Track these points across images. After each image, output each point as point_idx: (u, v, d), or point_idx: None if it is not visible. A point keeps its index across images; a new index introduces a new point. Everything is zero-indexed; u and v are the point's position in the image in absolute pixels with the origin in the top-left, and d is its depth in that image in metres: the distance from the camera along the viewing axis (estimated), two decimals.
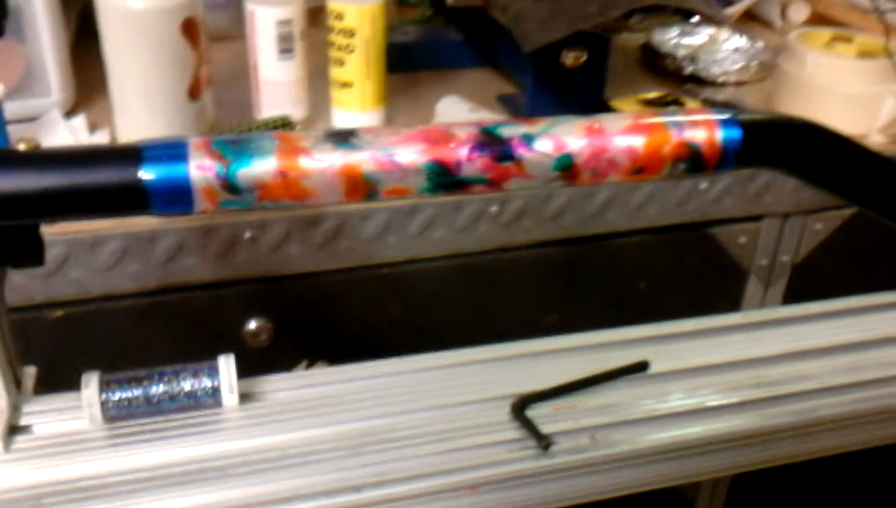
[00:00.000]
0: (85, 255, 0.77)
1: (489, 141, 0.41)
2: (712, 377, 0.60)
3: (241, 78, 0.98)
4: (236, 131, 0.87)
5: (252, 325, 0.86)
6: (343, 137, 0.41)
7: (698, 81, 1.12)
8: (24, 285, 0.77)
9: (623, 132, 0.44)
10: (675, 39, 1.15)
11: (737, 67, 1.12)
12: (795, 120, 0.51)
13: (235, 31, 1.08)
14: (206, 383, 0.53)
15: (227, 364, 0.53)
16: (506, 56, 1.08)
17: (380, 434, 0.53)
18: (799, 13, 1.31)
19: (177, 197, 0.42)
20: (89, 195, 0.42)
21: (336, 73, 0.93)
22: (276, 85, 0.92)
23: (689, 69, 1.12)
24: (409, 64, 1.08)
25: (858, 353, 0.63)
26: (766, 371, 0.60)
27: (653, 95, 1.03)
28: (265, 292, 0.86)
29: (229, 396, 0.53)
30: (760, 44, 1.16)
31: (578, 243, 0.94)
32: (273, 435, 0.52)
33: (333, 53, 0.92)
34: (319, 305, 0.89)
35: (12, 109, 0.86)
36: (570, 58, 0.95)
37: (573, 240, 0.93)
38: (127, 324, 0.83)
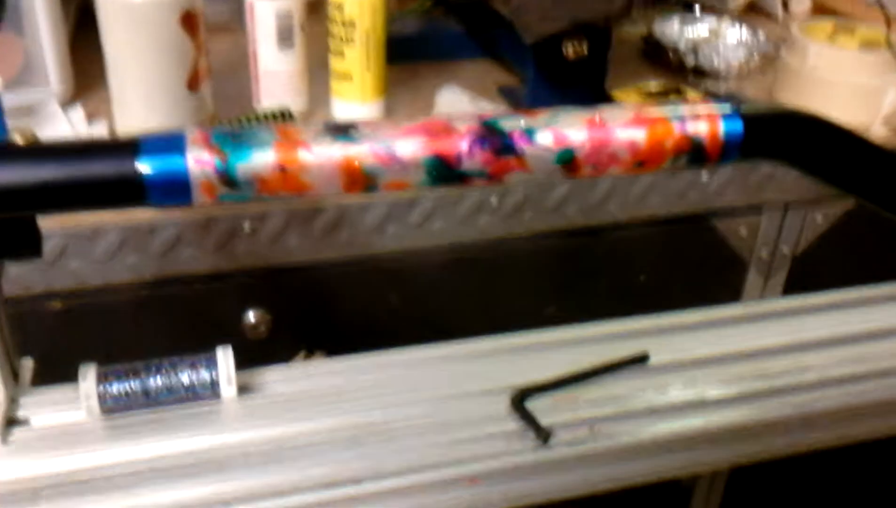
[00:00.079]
0: (83, 246, 0.77)
1: (490, 134, 0.41)
2: (712, 370, 0.59)
3: (240, 69, 0.98)
4: (236, 123, 0.87)
5: (251, 316, 0.86)
6: (342, 131, 0.41)
7: (700, 72, 1.12)
8: (22, 276, 0.77)
9: (625, 126, 0.44)
10: (677, 31, 1.15)
11: (739, 58, 1.12)
12: (798, 112, 0.51)
13: (235, 22, 1.07)
14: (204, 375, 0.53)
15: (225, 356, 0.53)
16: (506, 47, 1.07)
17: (378, 426, 0.53)
18: (801, 4, 1.31)
19: (174, 190, 0.42)
20: (86, 188, 0.42)
21: (336, 64, 0.92)
22: (276, 76, 0.92)
23: (690, 61, 1.11)
24: (409, 55, 1.07)
25: (859, 345, 0.62)
26: (767, 363, 0.60)
27: (654, 86, 1.02)
28: (264, 284, 0.85)
29: (227, 388, 0.53)
30: (762, 36, 1.15)
31: (579, 234, 0.94)
32: (271, 427, 0.52)
33: (333, 45, 0.92)
34: (318, 296, 0.88)
35: (10, 100, 0.85)
36: (571, 49, 0.94)
37: (573, 231, 0.93)
38: (125, 315, 0.82)
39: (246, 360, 0.55)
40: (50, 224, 0.74)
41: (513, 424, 0.54)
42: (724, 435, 0.56)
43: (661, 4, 1.21)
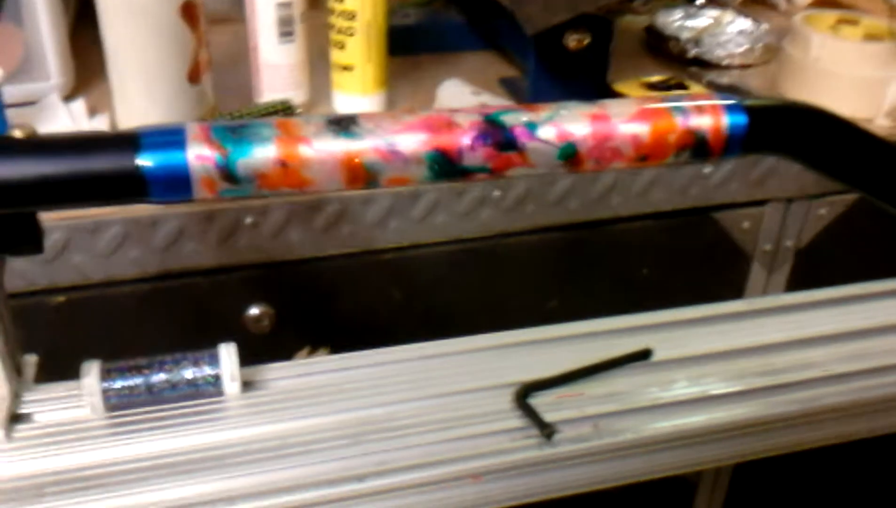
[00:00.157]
0: (86, 240, 0.77)
1: (492, 129, 0.41)
2: (716, 365, 0.59)
3: (241, 61, 0.97)
4: (237, 116, 0.86)
5: (254, 311, 0.86)
6: (343, 126, 0.40)
7: (702, 63, 1.11)
8: (25, 270, 0.76)
9: (628, 120, 0.43)
10: (679, 22, 1.14)
11: (741, 49, 1.11)
12: (802, 106, 0.51)
13: (235, 13, 1.07)
14: (208, 371, 0.53)
15: (228, 353, 0.53)
16: (508, 39, 1.07)
17: (381, 423, 0.53)
18: None
19: (175, 185, 0.42)
20: (86, 183, 0.42)
21: (337, 56, 0.92)
22: (277, 68, 0.92)
23: (693, 52, 1.11)
24: (410, 47, 1.07)
25: (864, 340, 0.62)
26: (771, 359, 0.60)
27: (656, 78, 1.02)
28: (267, 278, 0.85)
29: (231, 384, 0.53)
30: (765, 26, 1.15)
31: (581, 228, 0.93)
32: (275, 424, 0.52)
33: (334, 36, 0.91)
34: (321, 290, 0.88)
35: (11, 93, 0.85)
36: (573, 40, 0.94)
37: (576, 225, 0.93)
38: (128, 310, 0.82)
39: (249, 355, 0.55)
40: (52, 218, 0.74)
41: (516, 420, 0.54)
42: (729, 431, 0.56)
43: None
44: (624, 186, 0.92)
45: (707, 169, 0.94)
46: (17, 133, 0.42)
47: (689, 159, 0.48)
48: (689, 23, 1.14)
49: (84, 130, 0.86)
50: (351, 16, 0.89)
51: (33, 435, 0.50)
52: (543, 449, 0.52)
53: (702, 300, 0.65)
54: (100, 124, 0.87)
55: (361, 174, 0.41)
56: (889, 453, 1.25)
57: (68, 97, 0.92)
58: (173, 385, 0.52)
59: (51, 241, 0.75)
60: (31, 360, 0.55)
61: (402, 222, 0.85)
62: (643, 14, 1.20)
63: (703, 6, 1.18)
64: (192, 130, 0.41)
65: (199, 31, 0.85)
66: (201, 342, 0.55)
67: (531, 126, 0.42)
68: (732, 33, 1.13)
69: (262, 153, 0.40)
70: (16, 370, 0.52)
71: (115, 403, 0.51)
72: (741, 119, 0.47)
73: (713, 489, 1.19)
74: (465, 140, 0.41)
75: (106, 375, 0.51)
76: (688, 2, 1.19)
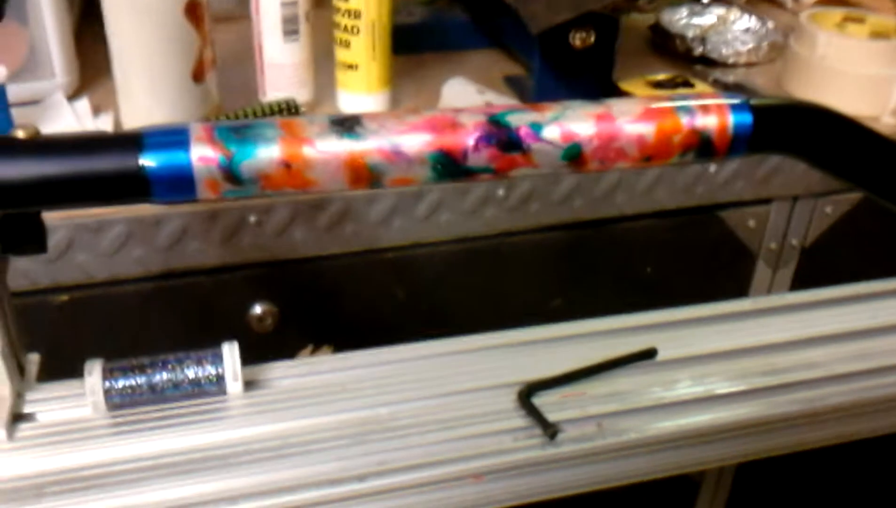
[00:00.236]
0: (89, 239, 0.77)
1: (496, 130, 0.41)
2: (720, 365, 0.59)
3: (245, 59, 0.97)
4: (241, 115, 0.86)
5: (257, 310, 0.86)
6: (347, 126, 0.40)
7: (708, 62, 1.11)
8: (28, 269, 0.77)
9: (633, 121, 0.43)
10: (685, 20, 1.14)
11: (747, 47, 1.11)
12: (807, 105, 0.51)
13: (240, 11, 1.07)
14: (210, 370, 0.53)
15: (231, 352, 0.53)
16: (513, 37, 1.07)
17: (384, 423, 0.53)
18: None
19: (178, 185, 0.42)
20: (90, 183, 0.42)
21: (341, 54, 0.92)
22: (281, 67, 0.91)
23: (698, 50, 1.11)
24: (415, 45, 1.07)
25: (868, 340, 0.62)
26: (775, 359, 0.60)
27: (662, 76, 1.01)
28: (270, 277, 0.85)
29: (233, 384, 0.53)
30: (771, 24, 1.15)
31: (586, 226, 0.93)
32: (277, 423, 0.52)
33: (339, 35, 0.91)
34: (325, 289, 0.88)
35: (15, 92, 0.85)
36: (578, 39, 0.93)
37: (580, 224, 0.93)
38: (131, 309, 0.82)
39: (252, 353, 0.55)
40: (55, 217, 0.74)
41: (520, 420, 0.53)
42: (732, 431, 0.56)
43: None
44: (629, 185, 0.91)
45: (712, 168, 0.93)
46: (20, 133, 0.42)
47: (694, 159, 0.48)
48: (695, 21, 1.14)
49: (88, 128, 0.86)
50: (356, 14, 0.89)
51: (35, 435, 0.50)
52: (546, 449, 0.52)
53: (706, 299, 0.65)
54: (104, 123, 0.88)
55: (365, 175, 0.41)
56: (891, 452, 1.25)
57: (73, 96, 0.92)
58: (176, 385, 0.52)
59: (54, 240, 0.75)
60: (33, 359, 0.55)
61: (405, 220, 0.85)
62: (648, 12, 1.20)
63: (708, 4, 1.18)
64: (196, 130, 0.41)
65: (204, 30, 0.85)
66: (204, 340, 0.55)
67: (536, 127, 0.42)
68: (738, 31, 1.12)
69: (266, 155, 0.40)
70: (19, 370, 0.52)
71: (118, 402, 0.51)
72: (747, 119, 0.47)
73: (716, 488, 1.19)
74: (470, 141, 0.41)
75: (108, 374, 0.51)
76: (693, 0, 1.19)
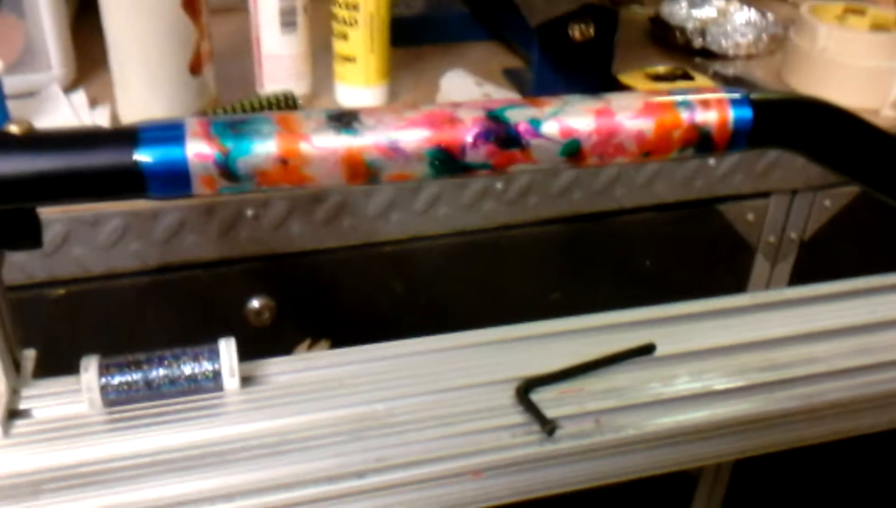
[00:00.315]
0: (86, 233, 0.76)
1: (495, 126, 0.40)
2: (719, 360, 0.59)
3: (243, 51, 0.97)
4: (238, 108, 0.86)
5: (254, 303, 0.85)
6: (345, 122, 0.40)
7: (708, 54, 1.10)
8: (24, 263, 0.76)
9: (632, 116, 0.43)
10: (685, 12, 1.14)
11: (747, 40, 1.11)
12: (808, 100, 0.50)
13: (238, 2, 1.06)
14: (207, 366, 0.53)
15: (227, 348, 0.53)
16: (512, 29, 1.06)
17: (382, 419, 0.52)
18: None
19: (174, 181, 0.41)
20: (85, 179, 0.42)
21: (339, 47, 0.91)
22: (279, 60, 0.91)
23: (698, 42, 1.10)
24: (413, 37, 1.06)
25: (867, 335, 0.62)
26: (774, 354, 0.60)
27: (662, 69, 1.01)
28: (267, 271, 0.85)
29: (230, 380, 0.53)
30: (771, 16, 1.14)
31: (584, 220, 0.93)
32: (274, 419, 0.52)
33: (337, 27, 0.91)
34: (322, 283, 0.88)
35: (12, 84, 0.85)
36: (577, 31, 0.93)
37: (579, 217, 0.92)
38: (128, 303, 0.82)
39: (250, 347, 0.55)
40: (52, 211, 0.74)
41: (518, 416, 0.53)
42: (731, 427, 0.55)
43: None
44: (627, 178, 0.91)
45: (711, 161, 0.93)
46: (14, 128, 0.41)
47: (694, 154, 0.47)
48: (695, 13, 1.14)
49: (85, 120, 0.86)
50: (354, 6, 0.88)
51: (31, 431, 0.50)
52: (544, 446, 0.52)
53: (705, 293, 0.65)
54: (101, 116, 0.87)
55: (363, 171, 0.40)
56: (890, 448, 1.25)
57: (69, 88, 0.91)
58: (172, 381, 0.52)
59: (50, 233, 0.75)
60: (29, 355, 0.54)
61: (403, 214, 0.85)
62: (648, 4, 1.19)
63: None
64: (192, 125, 0.41)
65: (201, 22, 0.85)
66: (202, 334, 0.55)
67: (535, 122, 0.41)
68: (738, 23, 1.12)
69: (263, 151, 0.39)
70: (14, 366, 0.52)
71: (114, 399, 0.51)
72: (747, 113, 0.47)
73: (714, 483, 1.19)
74: (468, 137, 0.40)
75: (104, 370, 0.51)
76: None
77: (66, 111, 0.87)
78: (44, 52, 0.89)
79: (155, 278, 0.81)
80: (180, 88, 0.85)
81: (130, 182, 0.42)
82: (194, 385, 0.52)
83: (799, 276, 1.05)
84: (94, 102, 0.90)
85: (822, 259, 1.05)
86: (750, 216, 1.00)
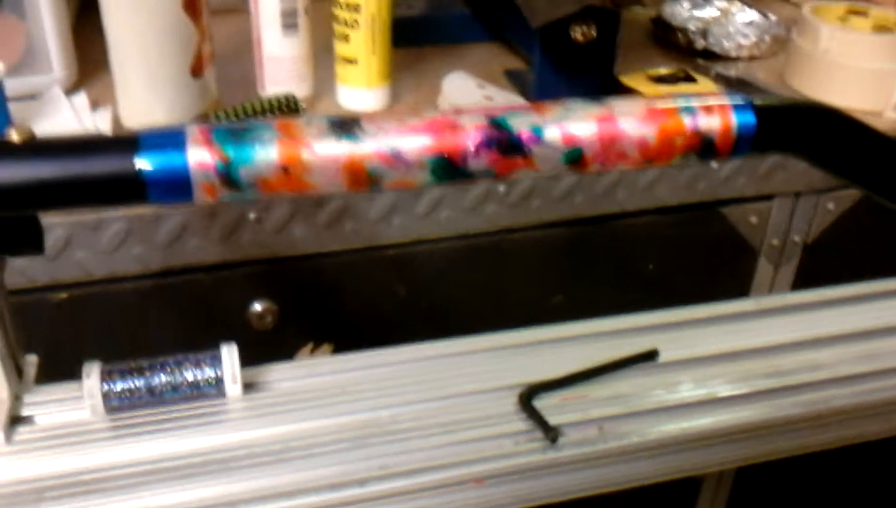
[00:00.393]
0: (88, 237, 0.76)
1: (497, 134, 0.40)
2: (723, 367, 0.59)
3: (244, 53, 0.96)
4: (240, 111, 0.86)
5: (257, 307, 0.85)
6: (346, 129, 0.40)
7: (710, 55, 1.10)
8: (26, 267, 0.76)
9: (635, 123, 0.43)
10: (687, 13, 1.13)
11: (749, 41, 1.10)
12: (812, 105, 0.50)
13: (239, 3, 1.06)
14: (209, 373, 0.52)
15: (229, 354, 0.53)
16: (514, 30, 1.06)
17: (384, 426, 0.52)
18: None
19: (175, 188, 0.41)
20: (86, 186, 0.42)
21: (341, 49, 0.91)
22: (280, 61, 0.91)
23: (700, 44, 1.10)
24: (415, 39, 1.06)
25: (873, 341, 0.61)
26: (778, 360, 0.59)
27: (663, 70, 1.01)
28: (270, 274, 0.85)
29: (232, 386, 0.53)
30: (773, 17, 1.14)
31: (587, 223, 0.93)
32: (276, 426, 0.52)
33: (338, 29, 0.90)
34: (325, 287, 0.88)
35: (13, 86, 0.85)
36: (579, 33, 0.93)
37: (581, 220, 0.92)
38: (130, 307, 0.82)
39: (252, 351, 0.55)
40: (54, 215, 0.74)
41: (520, 423, 0.53)
42: (735, 434, 0.55)
43: None
44: (630, 181, 0.91)
45: (714, 164, 0.93)
46: (14, 135, 0.41)
47: (697, 161, 0.47)
48: (697, 14, 1.13)
49: (86, 122, 0.86)
50: (355, 8, 0.88)
51: (34, 438, 0.50)
52: (547, 453, 0.52)
53: (708, 296, 0.65)
54: (102, 117, 0.87)
55: (364, 179, 0.40)
56: (892, 454, 1.24)
57: (70, 90, 0.91)
58: (174, 387, 0.52)
59: (53, 237, 0.75)
60: (31, 361, 0.54)
61: (405, 217, 0.85)
62: (650, 5, 1.19)
63: None
64: (193, 133, 0.40)
65: (202, 25, 0.85)
66: (204, 338, 0.55)
67: (537, 130, 0.41)
68: (741, 25, 1.11)
69: (264, 159, 0.39)
70: (17, 372, 0.52)
71: (116, 405, 0.51)
72: (750, 119, 0.47)
73: (718, 485, 1.18)
74: (470, 145, 0.40)
75: (106, 377, 0.51)
76: None
77: (68, 113, 0.87)
78: (45, 54, 0.89)
79: (157, 282, 0.81)
80: (181, 90, 0.85)
81: (131, 189, 0.41)
82: (196, 392, 0.52)
83: (802, 279, 1.05)
84: (95, 104, 0.89)
85: (825, 262, 1.05)
86: (753, 219, 0.99)
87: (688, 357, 0.59)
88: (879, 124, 0.95)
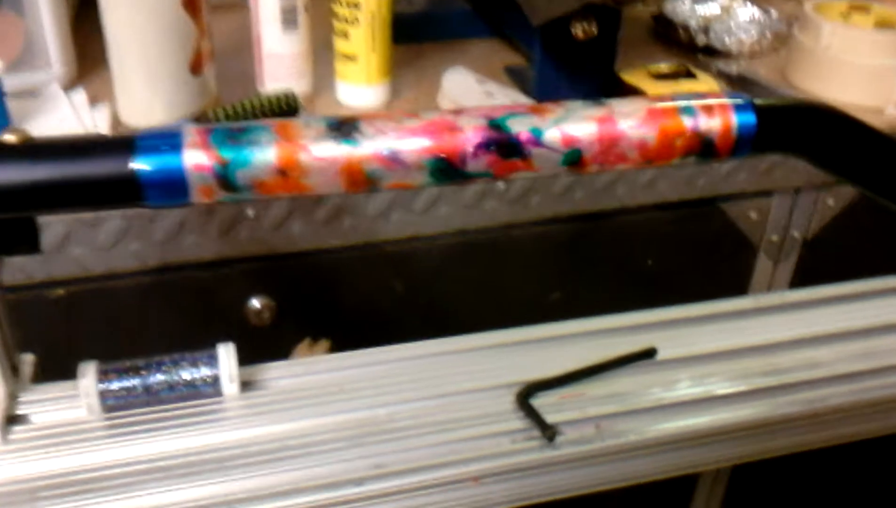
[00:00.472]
0: (85, 233, 0.76)
1: (497, 136, 0.40)
2: (721, 365, 0.59)
3: (244, 49, 0.96)
4: (239, 108, 0.85)
5: (255, 303, 0.85)
6: (345, 131, 0.39)
7: (711, 52, 1.10)
8: (24, 264, 0.76)
9: (635, 124, 0.42)
10: (688, 9, 1.13)
11: (751, 37, 1.10)
12: (812, 105, 0.50)
13: (238, 0, 1.05)
14: (206, 372, 0.52)
15: (226, 353, 0.53)
16: (514, 27, 1.06)
17: (381, 424, 0.52)
18: None
19: (172, 190, 0.41)
20: (82, 188, 0.42)
21: (340, 45, 0.91)
22: (280, 58, 0.91)
23: (702, 40, 1.09)
24: (414, 35, 1.06)
25: (871, 339, 0.61)
26: (777, 358, 0.59)
27: (665, 67, 1.00)
28: (268, 271, 0.85)
29: (229, 385, 0.53)
30: (775, 14, 1.13)
31: (586, 219, 0.93)
32: (273, 425, 0.52)
33: (338, 25, 0.90)
34: (322, 283, 0.88)
35: (12, 83, 0.85)
36: (580, 29, 0.92)
37: (581, 216, 0.92)
38: (128, 303, 0.82)
39: (250, 347, 0.55)
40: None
41: (518, 422, 0.53)
42: (733, 432, 0.55)
43: None
44: (630, 178, 0.91)
45: None
46: (10, 137, 0.41)
47: (697, 161, 0.47)
48: (699, 10, 1.13)
49: (85, 119, 0.85)
50: (355, 5, 0.88)
51: (30, 437, 0.50)
52: (545, 452, 0.52)
53: (707, 292, 0.65)
54: (101, 114, 0.87)
55: (362, 181, 0.40)
56: (890, 450, 1.24)
57: (69, 87, 0.91)
58: (171, 386, 0.52)
59: (51, 234, 0.75)
60: (28, 359, 0.54)
61: (404, 213, 0.85)
62: (651, 2, 1.19)
63: None
64: (190, 134, 0.40)
65: (202, 22, 0.84)
66: (202, 334, 0.55)
67: (536, 132, 0.41)
68: (742, 21, 1.11)
69: (262, 162, 0.39)
70: (13, 370, 0.52)
71: (113, 404, 0.51)
72: (750, 119, 0.47)
73: (714, 482, 1.19)
74: (469, 147, 0.40)
75: (103, 376, 0.51)
76: None
77: (67, 110, 0.87)
78: (44, 51, 0.89)
79: (155, 279, 0.81)
80: (181, 87, 0.85)
81: (127, 191, 0.41)
82: (193, 391, 0.52)
83: (802, 275, 1.04)
84: (94, 101, 0.89)
85: (825, 258, 1.04)
86: (753, 215, 0.99)
87: (686, 355, 0.59)
88: (880, 121, 0.95)
